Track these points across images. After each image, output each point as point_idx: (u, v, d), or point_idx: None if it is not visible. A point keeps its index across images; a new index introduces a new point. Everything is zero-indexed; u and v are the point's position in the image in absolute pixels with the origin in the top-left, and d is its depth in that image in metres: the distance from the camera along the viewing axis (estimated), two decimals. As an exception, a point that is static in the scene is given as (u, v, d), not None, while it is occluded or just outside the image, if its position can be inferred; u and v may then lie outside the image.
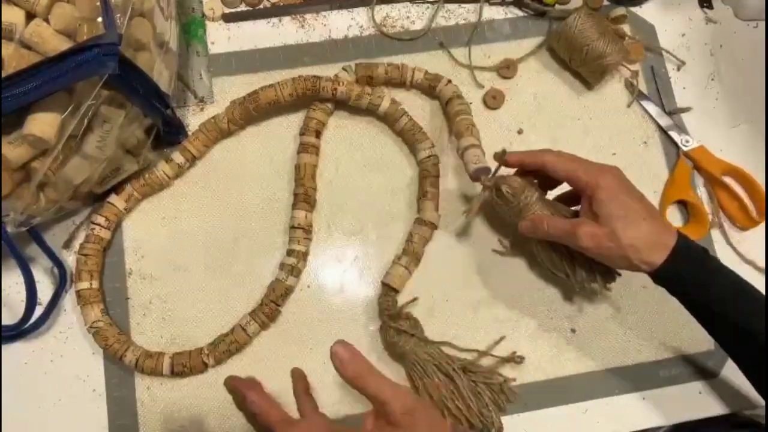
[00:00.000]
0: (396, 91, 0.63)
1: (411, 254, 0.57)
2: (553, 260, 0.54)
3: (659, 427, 0.57)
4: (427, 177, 0.59)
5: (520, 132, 0.63)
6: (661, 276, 0.48)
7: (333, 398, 0.56)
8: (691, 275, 0.47)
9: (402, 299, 0.57)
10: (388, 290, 0.57)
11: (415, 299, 0.57)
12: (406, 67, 0.61)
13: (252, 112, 0.59)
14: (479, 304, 0.58)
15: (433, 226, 0.59)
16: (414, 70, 0.61)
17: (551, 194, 0.55)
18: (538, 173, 0.53)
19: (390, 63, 0.61)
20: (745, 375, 0.49)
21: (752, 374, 0.49)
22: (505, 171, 0.53)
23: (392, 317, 0.55)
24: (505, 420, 0.55)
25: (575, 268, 0.53)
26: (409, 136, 0.60)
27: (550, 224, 0.51)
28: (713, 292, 0.47)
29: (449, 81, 0.61)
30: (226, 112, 0.59)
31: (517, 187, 0.52)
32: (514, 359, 0.56)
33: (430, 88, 0.62)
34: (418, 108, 0.62)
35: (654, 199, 0.61)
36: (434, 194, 0.59)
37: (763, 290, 0.48)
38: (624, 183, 0.50)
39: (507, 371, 0.56)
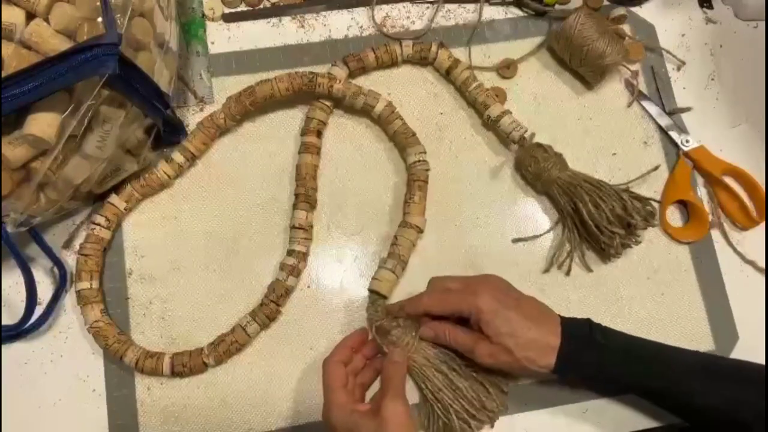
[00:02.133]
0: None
1: (397, 258, 0.57)
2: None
3: (660, 427, 0.57)
4: (416, 181, 0.59)
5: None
6: (560, 372, 0.50)
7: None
8: (584, 363, 0.50)
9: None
10: (376, 298, 0.56)
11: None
12: (395, 46, 0.62)
13: (248, 107, 0.59)
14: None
15: (419, 230, 0.58)
16: (402, 46, 0.62)
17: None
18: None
19: (378, 47, 0.62)
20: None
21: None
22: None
23: (380, 328, 0.54)
24: (505, 420, 0.55)
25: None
26: (401, 139, 0.60)
27: (451, 335, 0.52)
28: (608, 369, 0.50)
29: (440, 44, 0.62)
30: (222, 108, 0.59)
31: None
32: None
33: (421, 59, 0.62)
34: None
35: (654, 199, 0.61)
36: (421, 197, 0.58)
37: (763, 287, 0.48)
38: (501, 294, 0.51)
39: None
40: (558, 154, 0.59)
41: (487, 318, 0.49)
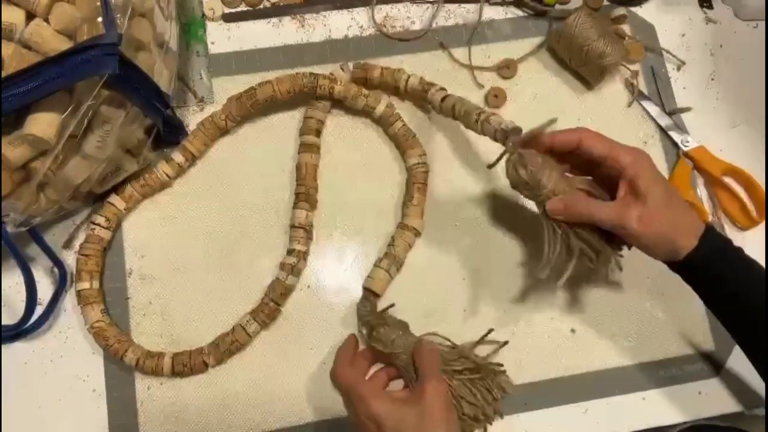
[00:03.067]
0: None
1: (392, 258, 0.57)
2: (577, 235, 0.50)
3: (660, 428, 0.57)
4: (415, 183, 0.59)
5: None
6: (687, 262, 0.47)
7: (334, 398, 0.56)
8: (714, 262, 0.48)
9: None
10: (369, 295, 0.57)
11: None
12: (402, 72, 0.60)
13: (249, 108, 0.59)
14: (479, 305, 0.58)
15: (416, 232, 0.58)
16: (410, 75, 0.60)
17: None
18: (568, 155, 0.51)
19: (387, 66, 0.61)
20: (751, 361, 0.50)
21: (756, 359, 0.49)
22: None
23: (367, 324, 0.54)
24: (505, 420, 0.55)
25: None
26: (401, 141, 0.60)
27: (586, 205, 0.48)
28: (729, 276, 0.47)
29: (442, 88, 0.60)
30: (223, 110, 0.59)
31: (539, 161, 0.49)
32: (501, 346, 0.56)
33: (423, 92, 0.59)
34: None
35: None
36: (420, 200, 0.59)
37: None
38: (657, 169, 0.49)
39: (508, 370, 0.56)
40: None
41: (648, 178, 0.47)
